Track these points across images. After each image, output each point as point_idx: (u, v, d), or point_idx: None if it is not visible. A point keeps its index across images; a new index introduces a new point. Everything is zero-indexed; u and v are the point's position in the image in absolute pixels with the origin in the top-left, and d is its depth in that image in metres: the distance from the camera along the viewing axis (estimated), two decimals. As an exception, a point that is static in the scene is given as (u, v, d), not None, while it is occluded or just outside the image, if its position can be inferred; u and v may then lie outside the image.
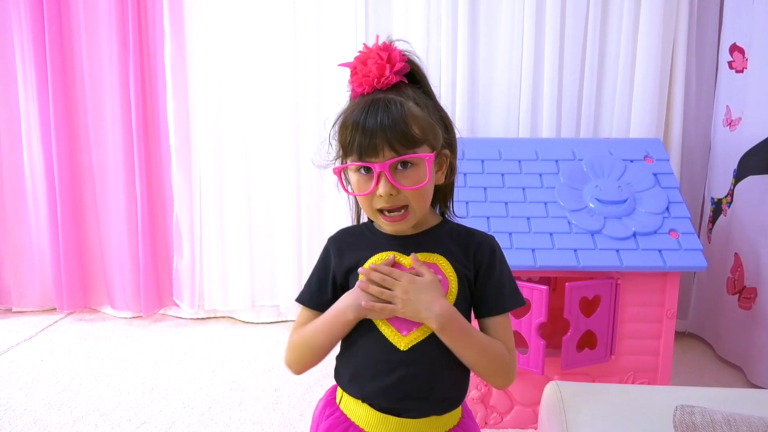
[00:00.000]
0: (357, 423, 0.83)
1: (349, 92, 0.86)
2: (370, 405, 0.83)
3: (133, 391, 1.97)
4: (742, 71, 2.18)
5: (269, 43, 2.37)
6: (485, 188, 1.78)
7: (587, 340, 1.69)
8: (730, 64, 2.23)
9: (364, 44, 0.85)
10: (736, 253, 2.16)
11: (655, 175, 1.80)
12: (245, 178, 2.49)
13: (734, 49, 2.21)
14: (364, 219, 0.94)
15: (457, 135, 0.91)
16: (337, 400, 0.88)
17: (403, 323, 0.82)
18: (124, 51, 2.40)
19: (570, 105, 2.31)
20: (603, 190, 1.75)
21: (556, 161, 1.84)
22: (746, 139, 2.10)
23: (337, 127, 0.84)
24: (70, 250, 2.55)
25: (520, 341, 1.62)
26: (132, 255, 2.55)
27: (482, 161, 1.85)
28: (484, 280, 0.86)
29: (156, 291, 2.61)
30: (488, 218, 1.71)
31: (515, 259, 1.61)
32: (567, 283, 1.59)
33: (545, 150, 1.87)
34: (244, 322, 2.61)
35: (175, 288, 2.62)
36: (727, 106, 2.24)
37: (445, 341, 0.81)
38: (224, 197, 2.51)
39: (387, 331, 0.82)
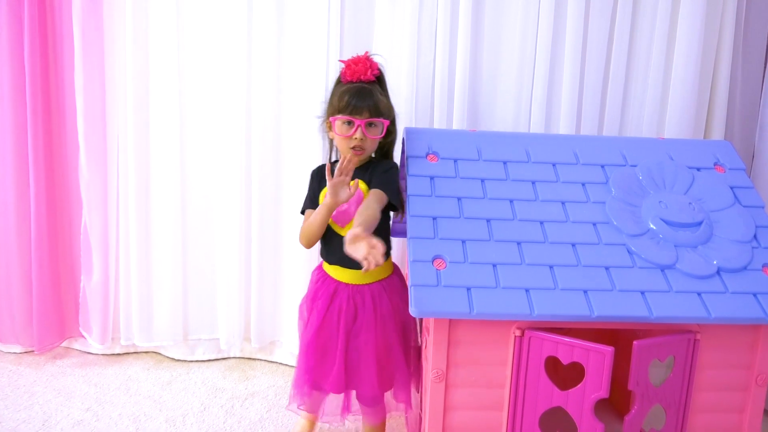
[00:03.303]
0: (329, 273, 1.38)
1: (342, 76, 1.36)
2: (332, 263, 1.37)
3: (2, 477, 1.38)
4: (802, 65, 1.79)
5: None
6: (511, 201, 1.30)
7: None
8: (786, 55, 1.84)
9: (357, 55, 1.36)
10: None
11: (732, 189, 1.36)
12: (179, 176, 1.91)
13: (792, 38, 1.81)
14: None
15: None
16: (323, 265, 1.42)
17: (340, 221, 1.35)
18: (16, 2, 1.79)
19: (592, 100, 1.85)
20: (669, 207, 1.29)
21: (602, 166, 1.38)
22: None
23: (336, 95, 1.33)
24: (-63, 265, 1.91)
25: (565, 423, 1.14)
26: (23, 272, 1.94)
27: (505, 163, 1.36)
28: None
29: (56, 319, 1.99)
30: (519, 244, 1.22)
31: (561, 305, 1.13)
32: (636, 342, 1.12)
33: (586, 151, 1.41)
34: (173, 359, 2.03)
35: (81, 315, 2.01)
36: (780, 106, 1.84)
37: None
38: (151, 200, 1.92)
39: (335, 226, 1.36)
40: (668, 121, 1.86)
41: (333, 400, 1.44)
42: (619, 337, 1.54)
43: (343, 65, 1.35)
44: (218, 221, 1.94)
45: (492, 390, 1.19)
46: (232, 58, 1.83)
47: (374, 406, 1.39)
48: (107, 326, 1.99)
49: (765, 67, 1.93)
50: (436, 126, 1.82)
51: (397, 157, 1.65)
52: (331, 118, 1.33)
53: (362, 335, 1.32)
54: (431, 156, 1.36)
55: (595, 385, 1.10)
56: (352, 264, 1.24)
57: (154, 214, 1.93)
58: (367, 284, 1.34)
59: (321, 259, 1.42)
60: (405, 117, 1.80)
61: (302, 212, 1.41)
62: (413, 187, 1.29)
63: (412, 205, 1.26)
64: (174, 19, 1.81)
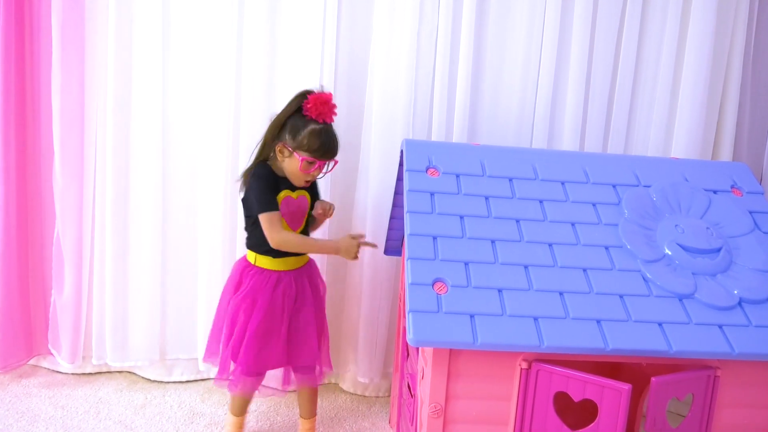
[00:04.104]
0: (267, 266, 1.47)
1: (305, 108, 1.41)
2: (278, 257, 1.47)
3: None
4: (814, 85, 1.73)
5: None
6: (518, 221, 1.20)
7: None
8: (797, 75, 1.78)
9: (320, 91, 1.43)
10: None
11: (750, 213, 1.28)
12: (160, 186, 1.80)
13: (804, 57, 1.76)
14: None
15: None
16: (252, 262, 1.49)
17: (292, 225, 1.47)
18: (-10, -5, 1.69)
19: (597, 115, 1.78)
20: (686, 232, 1.21)
21: (614, 186, 1.29)
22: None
23: (305, 135, 1.40)
24: None
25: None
26: (-11, 284, 1.81)
27: (511, 180, 1.27)
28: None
29: (23, 335, 1.86)
30: (526, 267, 1.13)
31: (573, 336, 1.03)
32: (654, 379, 1.02)
33: (596, 169, 1.32)
34: (148, 380, 1.90)
35: (51, 332, 1.88)
36: (791, 127, 1.79)
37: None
38: (129, 211, 1.81)
39: (288, 228, 1.45)
40: (675, 141, 1.79)
41: (272, 376, 1.59)
42: (620, 370, 1.45)
43: (307, 98, 1.41)
44: (201, 235, 1.82)
45: (494, 427, 1.09)
46: (220, 63, 1.72)
47: (312, 373, 1.56)
48: (78, 344, 1.86)
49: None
50: (434, 137, 1.73)
51: (390, 167, 1.56)
52: (296, 154, 1.40)
53: (303, 311, 1.49)
54: (432, 170, 1.27)
55: (610, 425, 1.00)
56: (292, 254, 1.47)
57: (132, 225, 1.81)
58: (302, 267, 1.51)
59: (243, 256, 1.53)
60: (402, 126, 1.72)
61: (262, 211, 1.42)
62: (412, 203, 1.20)
63: (411, 223, 1.16)
64: (160, 17, 1.71)
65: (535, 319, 1.05)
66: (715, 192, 1.31)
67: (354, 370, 1.87)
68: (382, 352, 1.85)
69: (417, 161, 1.28)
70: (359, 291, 1.80)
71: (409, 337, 1.01)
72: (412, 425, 1.29)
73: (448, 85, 1.74)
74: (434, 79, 1.74)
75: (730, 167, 1.38)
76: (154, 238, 1.81)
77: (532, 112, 1.78)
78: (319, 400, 1.64)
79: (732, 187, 1.33)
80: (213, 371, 1.90)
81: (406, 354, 1.53)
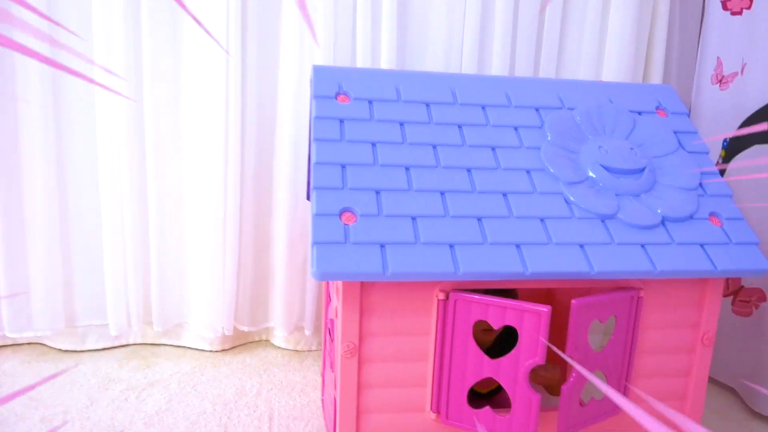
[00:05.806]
0: None
1: None
2: None
3: None
4: (740, 12, 1.69)
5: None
6: (435, 146, 1.12)
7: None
8: (724, 4, 1.74)
9: None
10: (730, 246, 1.68)
11: (675, 133, 1.23)
12: (52, 128, 1.63)
13: (730, -17, 1.72)
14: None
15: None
16: None
17: None
18: None
19: (527, 44, 1.71)
20: (610, 153, 1.15)
21: (537, 109, 1.22)
22: (748, 100, 1.62)
23: None
24: None
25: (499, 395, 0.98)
26: None
27: (428, 105, 1.18)
28: None
29: None
30: (443, 194, 1.05)
31: (491, 262, 0.97)
32: (574, 301, 0.97)
33: (519, 93, 1.24)
34: (59, 350, 1.76)
35: (-56, 302, 1.71)
36: (718, 58, 1.75)
37: None
38: (21, 150, 1.63)
39: None
40: (605, 72, 1.75)
41: None
42: (555, 301, 1.41)
43: None
44: (102, 177, 1.66)
45: (413, 363, 1.02)
46: None
47: None
48: (-25, 314, 1.70)
49: (702, 17, 1.84)
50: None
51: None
52: None
53: None
54: (342, 96, 1.16)
55: (530, 350, 0.95)
56: None
57: (25, 168, 1.63)
58: None
59: None
60: (323, 59, 1.60)
61: None
62: (319, 130, 1.09)
63: (318, 151, 1.06)
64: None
65: (451, 246, 0.98)
66: (640, 113, 1.26)
67: (283, 324, 1.78)
68: (312, 304, 1.77)
69: (326, 87, 1.17)
70: (281, 241, 1.70)
71: (313, 270, 0.92)
72: (332, 371, 1.21)
73: (372, 16, 1.62)
74: (356, 7, 1.62)
75: (654, 89, 1.33)
76: (49, 183, 1.63)
77: (461, 45, 1.69)
78: (249, 357, 1.56)
79: (657, 108, 1.28)
80: (130, 337, 1.79)
81: (328, 299, 1.44)
